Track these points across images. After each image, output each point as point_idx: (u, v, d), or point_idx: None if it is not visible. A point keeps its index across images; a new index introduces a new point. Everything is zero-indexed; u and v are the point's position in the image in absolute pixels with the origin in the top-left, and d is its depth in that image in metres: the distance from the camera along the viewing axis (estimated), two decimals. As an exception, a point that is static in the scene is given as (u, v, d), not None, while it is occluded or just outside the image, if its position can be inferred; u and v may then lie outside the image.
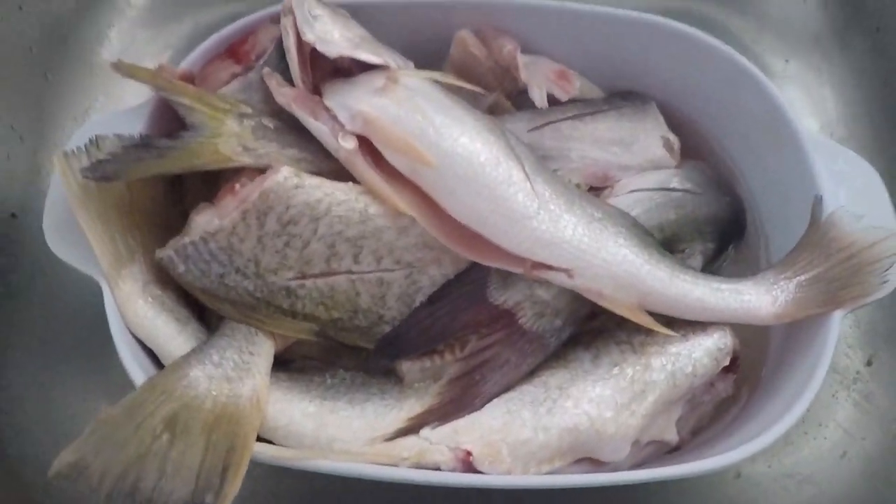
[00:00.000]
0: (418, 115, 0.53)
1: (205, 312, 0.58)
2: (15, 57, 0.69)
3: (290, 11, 0.58)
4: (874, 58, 0.76)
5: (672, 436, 0.56)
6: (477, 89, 0.60)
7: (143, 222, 0.57)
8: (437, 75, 0.57)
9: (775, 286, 0.54)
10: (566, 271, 0.52)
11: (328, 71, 0.59)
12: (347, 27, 0.59)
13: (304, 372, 0.57)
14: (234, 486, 0.48)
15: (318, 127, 0.55)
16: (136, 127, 0.58)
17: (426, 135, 0.52)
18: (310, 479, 0.65)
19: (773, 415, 0.52)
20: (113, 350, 0.65)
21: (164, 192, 0.59)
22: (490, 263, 0.53)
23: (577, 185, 0.61)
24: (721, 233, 0.62)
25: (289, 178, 0.52)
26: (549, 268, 0.52)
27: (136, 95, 0.73)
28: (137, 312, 0.55)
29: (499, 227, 0.52)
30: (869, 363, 0.68)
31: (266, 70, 0.59)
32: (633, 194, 0.60)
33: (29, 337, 0.66)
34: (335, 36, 0.58)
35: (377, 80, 0.56)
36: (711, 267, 0.62)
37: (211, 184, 0.59)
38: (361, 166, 0.54)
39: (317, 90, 0.58)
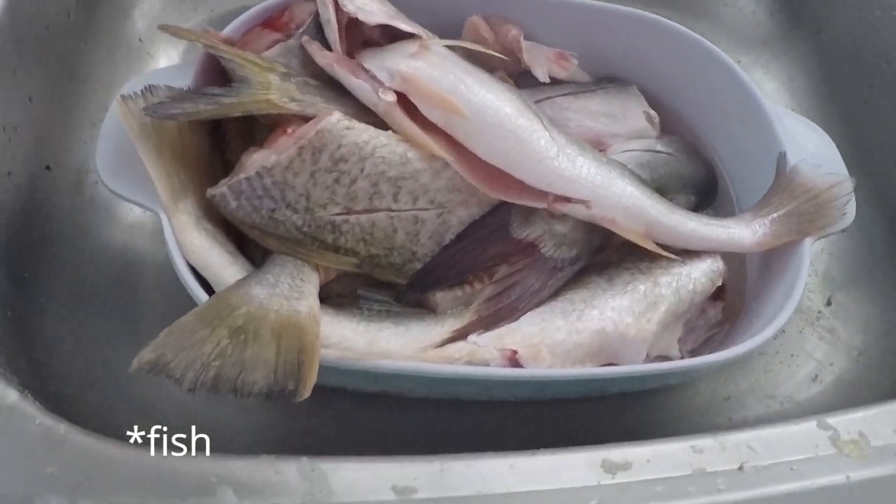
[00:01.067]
0: (450, 74, 0.62)
1: (250, 253, 0.63)
2: (55, 19, 0.73)
3: None
4: (816, 57, 0.90)
5: (675, 352, 0.65)
6: (495, 54, 0.69)
7: (193, 162, 0.62)
8: (461, 43, 0.66)
9: (754, 221, 0.66)
10: (584, 202, 0.61)
11: (359, 44, 0.67)
12: (382, 2, 0.67)
13: (343, 306, 0.63)
14: (312, 376, 0.53)
15: (359, 84, 0.63)
16: (183, 82, 0.63)
17: (459, 91, 0.61)
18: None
19: (759, 330, 0.61)
20: (139, 297, 0.71)
21: (209, 142, 0.65)
22: (516, 199, 0.61)
23: (577, 146, 0.70)
24: (699, 188, 0.73)
25: (341, 121, 0.60)
26: (569, 200, 0.61)
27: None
28: (193, 241, 0.60)
29: (525, 166, 0.61)
30: (828, 303, 0.79)
31: (305, 38, 0.66)
32: (625, 153, 0.70)
33: (61, 283, 0.69)
34: (374, 7, 0.66)
35: (411, 46, 0.64)
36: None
37: (250, 136, 0.65)
38: (400, 118, 0.61)
39: (351, 57, 0.66)
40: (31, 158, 0.68)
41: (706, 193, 0.74)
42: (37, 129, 0.69)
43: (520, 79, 0.74)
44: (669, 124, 0.76)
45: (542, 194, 0.61)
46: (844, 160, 0.68)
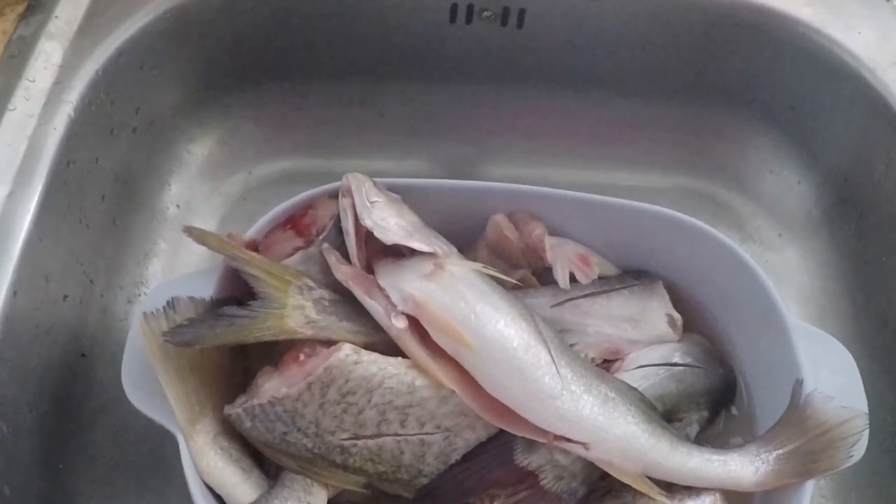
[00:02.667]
0: (462, 301, 0.64)
1: (264, 459, 0.67)
2: (89, 204, 0.78)
3: (349, 193, 0.69)
4: (856, 241, 0.89)
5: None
6: (510, 280, 0.71)
7: (212, 378, 0.67)
8: (477, 266, 0.68)
9: (757, 458, 0.66)
10: (583, 444, 0.63)
11: (381, 248, 0.69)
12: (401, 214, 0.69)
13: (350, 517, 0.67)
14: None
15: (373, 305, 0.66)
16: (206, 289, 0.67)
17: (468, 321, 0.63)
18: None
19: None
20: (170, 487, 0.75)
21: (229, 350, 0.69)
22: (518, 433, 0.64)
23: (592, 359, 0.72)
24: (715, 402, 0.74)
25: (349, 356, 0.63)
26: (569, 441, 0.63)
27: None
28: (209, 463, 0.64)
29: (527, 404, 0.63)
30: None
31: (326, 246, 0.69)
32: (641, 369, 0.71)
33: (95, 469, 0.74)
34: (391, 224, 0.68)
35: (426, 265, 0.67)
36: (705, 433, 0.74)
37: (269, 344, 0.68)
38: (410, 343, 0.64)
39: (369, 264, 0.69)
40: (65, 353, 0.73)
41: (722, 403, 0.75)
42: (71, 325, 0.74)
43: (543, 274, 0.76)
44: (692, 319, 0.77)
45: (545, 432, 0.63)
46: (876, 370, 0.68)
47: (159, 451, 0.76)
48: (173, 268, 0.87)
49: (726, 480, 0.66)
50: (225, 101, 0.92)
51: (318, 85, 0.93)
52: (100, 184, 0.80)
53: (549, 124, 0.95)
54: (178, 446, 0.75)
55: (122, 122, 0.83)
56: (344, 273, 0.68)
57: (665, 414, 0.71)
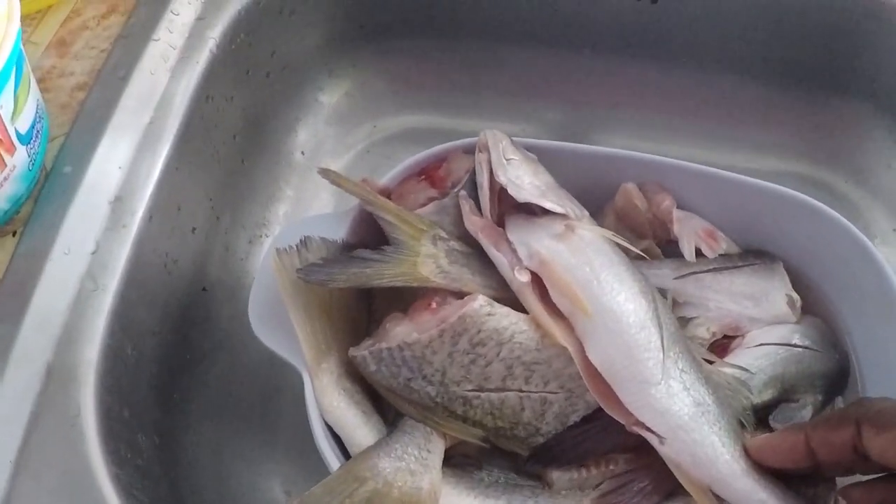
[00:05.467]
0: (587, 266, 0.62)
1: (381, 405, 0.66)
2: (222, 141, 0.78)
3: (486, 149, 0.68)
4: None
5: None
6: (635, 250, 0.68)
7: (339, 320, 0.65)
8: (608, 233, 0.66)
9: None
10: (660, 437, 0.60)
11: (513, 205, 0.68)
12: (536, 174, 0.68)
13: (464, 468, 0.66)
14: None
15: (499, 257, 0.64)
16: (338, 232, 0.66)
17: (590, 286, 0.61)
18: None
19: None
20: (277, 420, 0.75)
21: (356, 293, 0.68)
22: (604, 407, 0.61)
23: (713, 333, 0.70)
24: (830, 386, 0.71)
25: (484, 307, 0.61)
26: (648, 429, 0.60)
27: (316, 188, 0.83)
28: (332, 402, 0.62)
29: (623, 382, 0.60)
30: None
31: (462, 193, 0.67)
32: (761, 347, 0.69)
33: (207, 403, 0.73)
34: (525, 182, 0.67)
35: (557, 226, 0.65)
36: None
37: (396, 291, 0.67)
38: (530, 298, 0.62)
39: (501, 219, 0.67)
40: (189, 285, 0.72)
41: (836, 389, 0.72)
42: (196, 257, 0.73)
43: (667, 248, 0.74)
44: (809, 302, 0.75)
45: (629, 413, 0.61)
46: None
47: (269, 393, 0.75)
48: (296, 213, 0.86)
49: None
50: (356, 53, 0.91)
51: (445, 44, 0.92)
52: (232, 122, 0.79)
53: (670, 100, 0.93)
54: (288, 388, 0.75)
55: (257, 65, 0.82)
56: (475, 223, 0.66)
57: (782, 394, 0.68)
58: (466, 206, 0.67)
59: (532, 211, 0.67)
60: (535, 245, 0.63)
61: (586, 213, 0.68)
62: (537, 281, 0.63)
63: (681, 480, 0.60)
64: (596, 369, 0.61)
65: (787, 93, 0.90)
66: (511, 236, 0.65)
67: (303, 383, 0.61)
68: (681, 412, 0.60)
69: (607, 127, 0.93)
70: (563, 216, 0.66)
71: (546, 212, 0.66)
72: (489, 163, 0.67)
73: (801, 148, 0.92)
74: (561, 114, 0.93)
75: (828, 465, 0.56)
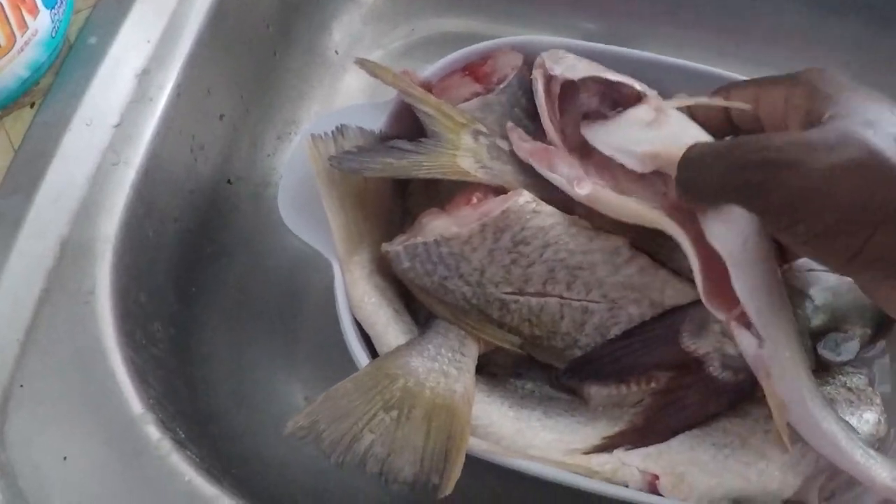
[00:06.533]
0: None
1: (413, 306, 0.62)
2: (254, 28, 0.73)
3: (542, 66, 0.63)
4: None
5: (814, 499, 0.60)
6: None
7: (374, 212, 0.61)
8: (688, 101, 0.58)
9: None
10: (759, 339, 0.53)
11: (575, 116, 0.62)
12: (591, 64, 0.63)
13: (497, 378, 0.62)
14: (457, 471, 0.52)
15: (556, 178, 0.58)
16: (375, 123, 0.62)
17: None
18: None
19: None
20: (301, 321, 0.71)
21: (391, 188, 0.63)
22: (707, 295, 0.54)
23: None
24: (879, 321, 0.67)
25: (528, 203, 0.57)
26: (749, 327, 0.54)
27: (349, 88, 0.78)
28: (363, 297, 0.58)
29: (741, 266, 0.52)
30: None
31: (509, 125, 0.62)
32: (813, 273, 0.65)
33: (227, 297, 0.69)
34: (580, 66, 0.61)
35: (643, 113, 0.57)
36: (864, 352, 0.67)
37: (433, 187, 0.63)
38: (609, 195, 0.56)
39: (563, 132, 0.62)
40: (214, 174, 0.68)
41: (885, 326, 0.67)
42: (223, 147, 0.69)
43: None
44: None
45: (730, 307, 0.54)
46: None
47: (291, 297, 0.71)
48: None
49: (856, 471, 0.54)
50: (397, -50, 0.87)
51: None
52: (266, 10, 0.74)
53: (711, 18, 0.86)
54: (311, 293, 0.71)
55: (295, -49, 0.77)
56: (524, 149, 0.60)
57: (831, 322, 0.64)
58: (514, 134, 0.62)
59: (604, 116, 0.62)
60: (638, 148, 0.55)
61: (654, 90, 0.61)
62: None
63: (766, 390, 0.54)
64: (712, 251, 0.52)
65: (842, 20, 0.84)
66: (606, 150, 0.57)
67: (328, 287, 0.58)
68: (780, 323, 0.54)
69: (645, 43, 0.86)
70: (639, 99, 0.59)
71: (612, 114, 0.60)
72: (545, 76, 0.62)
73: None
74: (600, 25, 0.87)
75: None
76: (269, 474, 0.64)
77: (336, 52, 0.80)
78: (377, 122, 0.62)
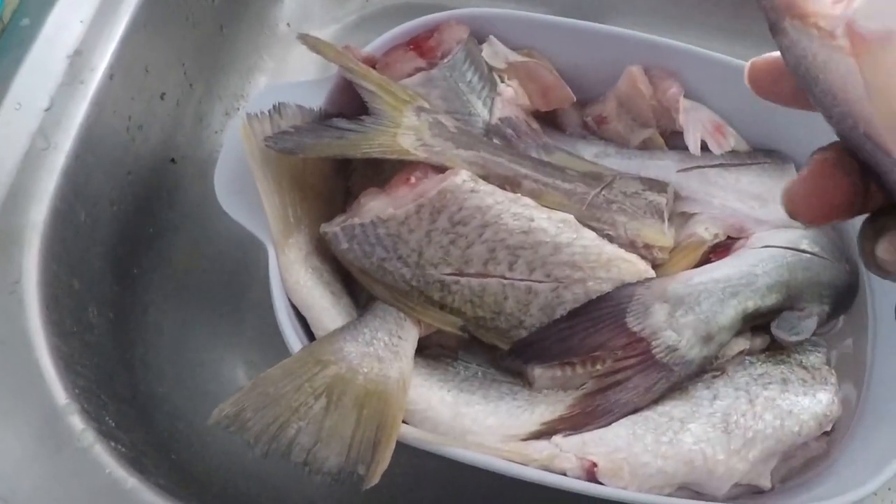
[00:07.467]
0: None
1: (353, 288, 0.60)
2: (196, 5, 0.70)
3: None
4: None
5: (766, 482, 0.58)
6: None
7: (311, 194, 0.59)
8: None
9: None
10: None
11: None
12: None
13: (439, 360, 0.60)
14: (384, 461, 0.50)
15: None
16: (316, 100, 0.59)
17: None
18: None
19: (860, 475, 0.55)
20: (246, 301, 0.69)
21: (332, 167, 0.61)
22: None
23: (715, 235, 0.63)
24: (837, 298, 0.64)
25: (466, 182, 0.55)
26: None
27: (300, 61, 0.75)
28: (298, 280, 0.56)
29: None
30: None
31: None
32: (768, 249, 0.62)
33: (170, 277, 0.67)
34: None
35: None
36: (823, 329, 0.65)
37: (375, 166, 0.61)
38: None
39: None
40: (155, 154, 0.65)
41: (843, 302, 0.65)
42: (165, 126, 0.67)
43: (672, 138, 0.67)
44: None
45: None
46: None
47: (238, 276, 0.69)
48: (278, 87, 0.79)
49: None
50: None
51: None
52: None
53: None
54: (258, 272, 0.68)
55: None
56: None
57: (787, 300, 0.61)
58: None
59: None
60: None
61: None
62: None
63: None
64: None
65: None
66: None
67: (274, 266, 0.55)
68: None
69: (618, 10, 0.83)
70: None
71: None
72: None
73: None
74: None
75: None
76: (211, 457, 0.62)
77: (288, 24, 0.77)
78: (318, 100, 0.60)
